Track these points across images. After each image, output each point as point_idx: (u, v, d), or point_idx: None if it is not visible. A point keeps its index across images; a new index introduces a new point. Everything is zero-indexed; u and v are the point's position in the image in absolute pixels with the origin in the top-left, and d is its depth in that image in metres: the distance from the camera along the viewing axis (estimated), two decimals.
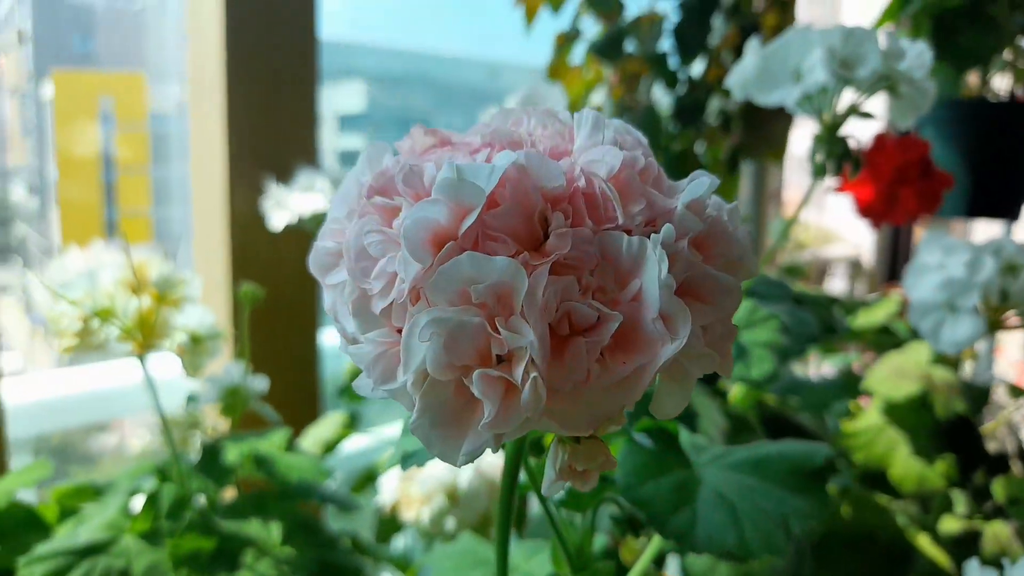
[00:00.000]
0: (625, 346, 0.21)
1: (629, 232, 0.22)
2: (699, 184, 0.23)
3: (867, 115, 0.56)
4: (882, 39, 0.54)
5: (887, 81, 0.55)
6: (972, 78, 1.22)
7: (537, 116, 0.26)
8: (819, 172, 0.57)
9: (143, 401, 1.11)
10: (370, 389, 0.23)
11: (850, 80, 0.52)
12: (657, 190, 0.23)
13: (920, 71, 0.54)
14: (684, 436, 0.50)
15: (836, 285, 2.27)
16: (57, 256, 0.73)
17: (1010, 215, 1.22)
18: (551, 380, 0.21)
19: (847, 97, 0.58)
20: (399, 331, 0.22)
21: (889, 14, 1.18)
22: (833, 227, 2.18)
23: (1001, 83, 1.20)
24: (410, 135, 0.26)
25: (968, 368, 1.55)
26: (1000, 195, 1.20)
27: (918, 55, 0.55)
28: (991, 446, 1.41)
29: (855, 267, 2.24)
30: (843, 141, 0.57)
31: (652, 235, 0.21)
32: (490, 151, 0.23)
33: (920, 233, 2.15)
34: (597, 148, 0.23)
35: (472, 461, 0.22)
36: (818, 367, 1.81)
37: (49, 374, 1.10)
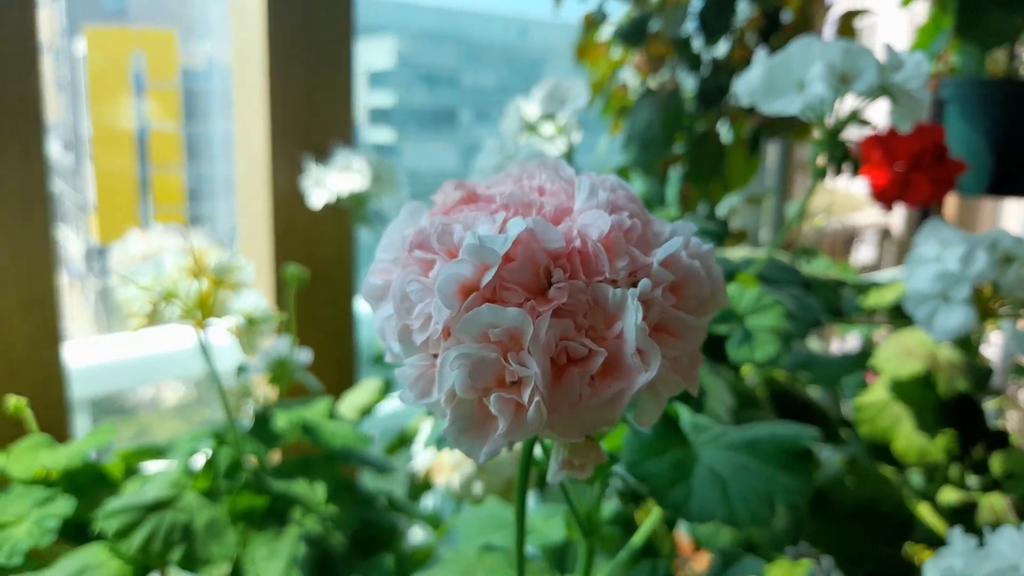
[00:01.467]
0: (610, 374, 0.27)
1: (615, 283, 0.27)
2: (673, 243, 0.28)
3: (865, 122, 0.60)
4: (881, 52, 0.58)
5: (885, 91, 0.58)
6: (999, 55, 1.23)
7: (547, 172, 0.32)
8: (820, 175, 0.61)
9: (185, 367, 1.19)
10: (411, 401, 0.29)
11: (848, 92, 0.57)
12: (641, 244, 0.29)
13: (916, 82, 0.58)
14: (685, 417, 0.55)
15: (865, 253, 2.28)
16: (120, 243, 0.80)
17: None
18: (551, 401, 0.27)
19: (849, 102, 0.62)
20: (434, 356, 0.28)
21: None
22: (861, 194, 2.19)
23: None
24: (442, 189, 0.31)
25: (993, 338, 1.58)
26: (1022, 174, 1.21)
27: (916, 65, 0.58)
28: (1014, 417, 1.44)
29: (884, 235, 2.26)
30: (843, 145, 0.61)
31: (632, 288, 0.27)
32: (507, 213, 0.29)
33: (952, 206, 2.15)
34: (591, 212, 0.28)
35: (491, 459, 0.28)
36: (842, 338, 1.85)
37: (96, 340, 1.18)
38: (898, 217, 2.30)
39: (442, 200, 0.31)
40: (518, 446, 0.66)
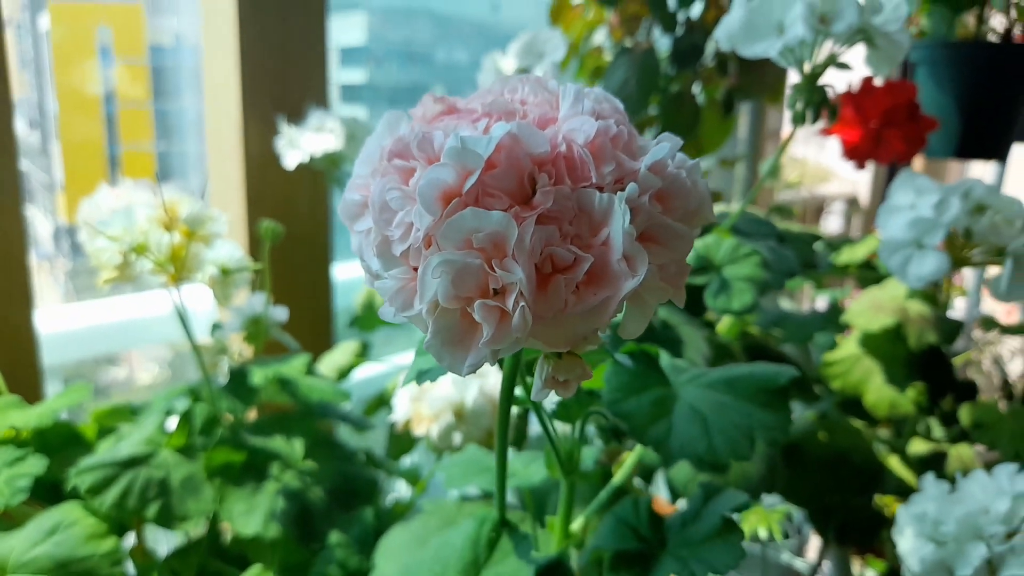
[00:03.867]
0: (596, 281, 0.27)
1: (601, 189, 0.27)
2: (660, 148, 0.28)
3: (844, 66, 0.60)
4: None
5: (864, 34, 0.59)
6: (969, 18, 1.24)
7: (530, 85, 0.31)
8: (798, 119, 0.62)
9: (159, 332, 1.17)
10: (392, 315, 0.28)
11: (828, 34, 0.57)
12: (627, 152, 0.28)
13: (894, 24, 0.58)
14: (665, 358, 0.55)
15: (832, 223, 2.31)
16: (89, 197, 0.78)
17: (998, 156, 1.25)
18: (536, 309, 0.26)
19: (828, 47, 0.62)
20: (415, 269, 0.28)
21: None
22: (830, 165, 2.20)
23: (998, 22, 1.21)
24: (421, 103, 0.31)
25: (957, 304, 1.61)
26: (989, 136, 1.22)
27: (894, 8, 0.59)
28: (977, 379, 1.47)
29: (852, 205, 2.28)
30: (822, 90, 0.61)
31: (619, 192, 0.26)
32: (489, 120, 0.28)
33: (919, 166, 2.18)
34: (577, 118, 0.28)
35: (474, 372, 0.28)
36: (812, 301, 1.87)
37: (68, 306, 1.15)
38: (865, 187, 2.33)
39: (421, 113, 0.31)
40: (499, 389, 0.65)
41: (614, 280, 0.27)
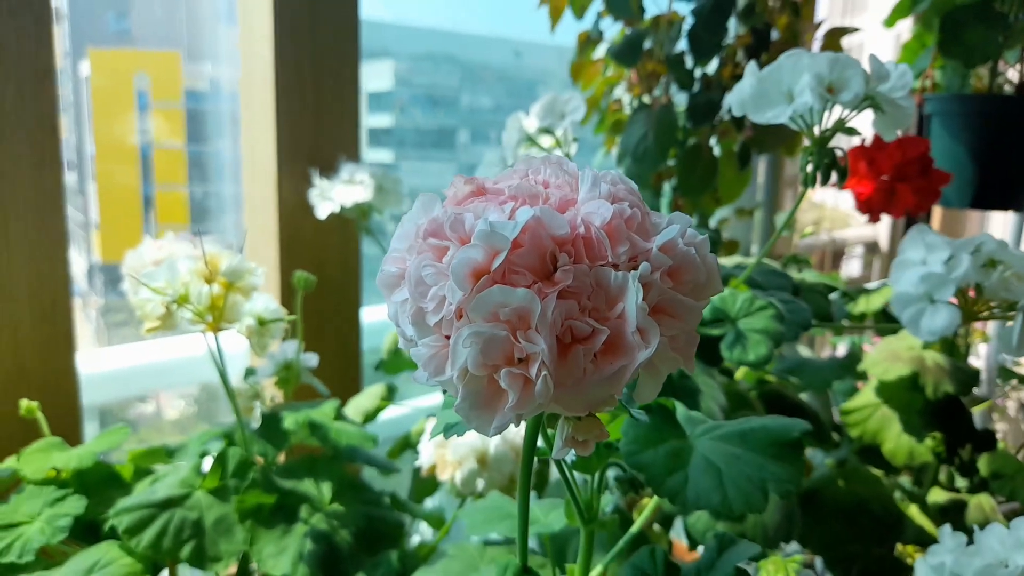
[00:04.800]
0: (612, 351, 0.29)
1: (616, 267, 0.30)
2: (671, 230, 0.31)
3: (853, 131, 0.63)
4: (867, 63, 0.61)
5: (871, 101, 0.61)
6: (982, 71, 1.26)
7: (551, 167, 0.34)
8: (809, 181, 0.64)
9: (192, 374, 1.20)
10: (425, 379, 0.31)
11: (835, 102, 0.60)
12: (641, 232, 0.31)
13: (900, 92, 0.61)
14: (681, 411, 0.58)
15: (853, 267, 2.32)
16: (134, 250, 0.82)
17: (1015, 206, 1.27)
18: (557, 377, 0.29)
19: (836, 112, 0.64)
20: (447, 338, 0.31)
21: (900, 11, 1.23)
22: (849, 210, 2.22)
23: (1014, 74, 1.24)
24: (453, 184, 0.34)
25: (981, 349, 1.60)
26: (1005, 187, 1.24)
27: (900, 76, 0.62)
28: (1003, 425, 1.46)
29: (871, 249, 2.29)
30: (831, 152, 0.64)
31: (632, 271, 0.29)
32: (515, 203, 0.31)
33: (938, 219, 2.19)
34: (594, 201, 0.31)
35: (500, 433, 0.30)
36: (833, 347, 1.88)
37: (104, 350, 1.19)
38: (885, 232, 2.34)
39: (452, 194, 0.34)
40: (521, 437, 0.68)
41: (629, 350, 0.29)
